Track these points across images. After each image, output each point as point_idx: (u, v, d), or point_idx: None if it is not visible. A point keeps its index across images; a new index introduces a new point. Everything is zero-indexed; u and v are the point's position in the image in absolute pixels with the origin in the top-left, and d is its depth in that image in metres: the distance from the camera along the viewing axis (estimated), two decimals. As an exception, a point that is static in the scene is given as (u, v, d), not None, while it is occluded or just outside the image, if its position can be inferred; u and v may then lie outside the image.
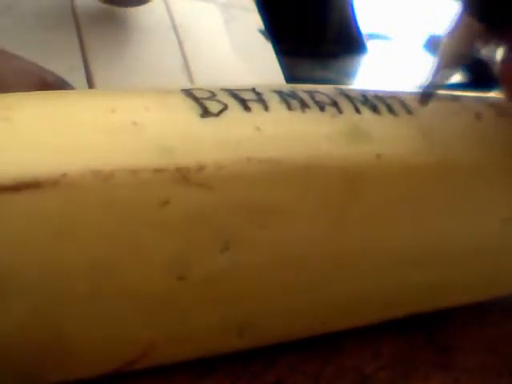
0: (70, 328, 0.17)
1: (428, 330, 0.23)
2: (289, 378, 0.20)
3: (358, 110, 0.20)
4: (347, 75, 0.47)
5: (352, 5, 0.52)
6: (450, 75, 0.21)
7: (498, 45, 0.21)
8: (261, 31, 0.29)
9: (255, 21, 0.29)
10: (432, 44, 0.54)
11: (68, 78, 0.23)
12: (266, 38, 0.29)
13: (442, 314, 0.24)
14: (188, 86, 0.24)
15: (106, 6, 0.26)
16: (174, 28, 0.26)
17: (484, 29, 0.20)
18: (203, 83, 0.25)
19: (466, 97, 0.22)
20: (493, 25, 0.20)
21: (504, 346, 0.23)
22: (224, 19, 0.28)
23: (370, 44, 0.53)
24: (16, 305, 0.16)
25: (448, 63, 0.21)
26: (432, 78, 0.21)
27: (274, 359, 0.21)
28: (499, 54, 0.21)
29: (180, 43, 0.26)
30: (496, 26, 0.20)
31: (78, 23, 0.25)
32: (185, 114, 0.17)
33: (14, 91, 0.18)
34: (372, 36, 0.55)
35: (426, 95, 0.21)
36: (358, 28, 0.52)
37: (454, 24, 0.21)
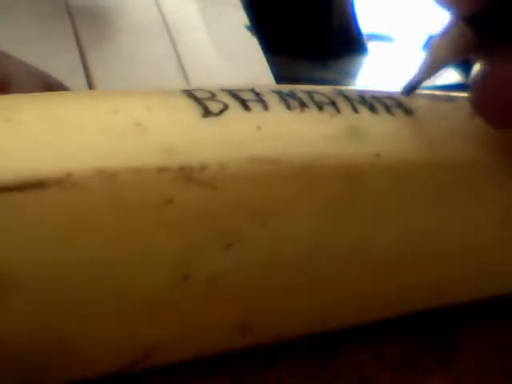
0: (72, 329, 0.17)
1: (429, 330, 0.23)
2: (289, 378, 0.20)
3: (355, 110, 0.20)
4: (347, 76, 0.47)
5: (353, 5, 0.52)
6: (434, 75, 0.21)
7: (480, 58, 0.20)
8: (247, 27, 0.29)
9: (241, 18, 0.29)
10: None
11: (68, 77, 0.23)
12: (253, 34, 0.29)
13: (444, 314, 0.24)
14: (184, 85, 0.24)
15: (99, 3, 0.26)
16: (167, 26, 0.27)
17: (475, 41, 0.20)
18: (198, 82, 0.26)
19: (460, 97, 0.23)
20: (487, 40, 0.20)
21: (506, 345, 0.23)
22: (212, 16, 0.28)
23: (370, 45, 0.53)
24: (18, 306, 0.16)
25: (434, 65, 0.21)
26: (418, 73, 0.21)
27: (274, 360, 0.21)
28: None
29: (173, 42, 0.26)
30: (489, 41, 0.20)
31: (73, 22, 0.25)
32: (186, 114, 0.18)
33: (18, 93, 0.18)
34: (373, 37, 0.55)
35: (409, 89, 0.21)
36: (358, 29, 0.52)
37: (446, 28, 0.21)
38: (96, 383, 0.18)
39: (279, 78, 0.29)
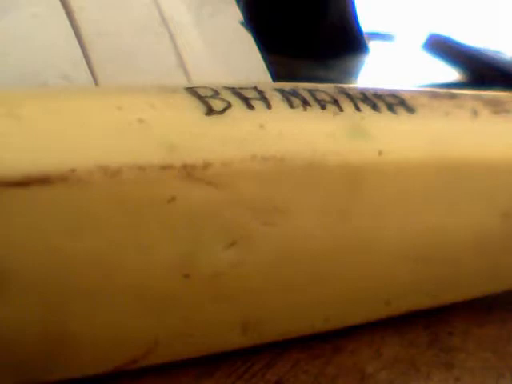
0: (74, 325, 0.17)
1: (429, 330, 0.23)
2: (290, 378, 0.20)
3: (358, 108, 0.20)
4: (348, 75, 0.47)
5: (353, 3, 0.52)
6: None
7: None
8: (241, 23, 0.29)
9: (235, 13, 0.29)
10: (432, 43, 0.54)
11: (72, 74, 0.23)
12: (247, 29, 0.29)
13: (444, 314, 0.24)
14: (186, 82, 0.24)
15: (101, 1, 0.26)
16: (165, 23, 0.27)
17: None
18: (199, 78, 0.26)
19: (463, 94, 0.23)
20: None
21: (506, 345, 0.23)
22: (207, 13, 0.28)
23: (371, 44, 0.53)
24: (20, 301, 0.16)
25: None
26: None
27: (275, 359, 0.21)
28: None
29: (172, 38, 0.26)
30: None
31: (73, 19, 0.25)
32: (190, 112, 0.18)
33: None
34: (373, 35, 0.55)
35: None
36: (359, 27, 0.52)
37: None
38: (96, 382, 0.18)
39: (279, 77, 0.29)
